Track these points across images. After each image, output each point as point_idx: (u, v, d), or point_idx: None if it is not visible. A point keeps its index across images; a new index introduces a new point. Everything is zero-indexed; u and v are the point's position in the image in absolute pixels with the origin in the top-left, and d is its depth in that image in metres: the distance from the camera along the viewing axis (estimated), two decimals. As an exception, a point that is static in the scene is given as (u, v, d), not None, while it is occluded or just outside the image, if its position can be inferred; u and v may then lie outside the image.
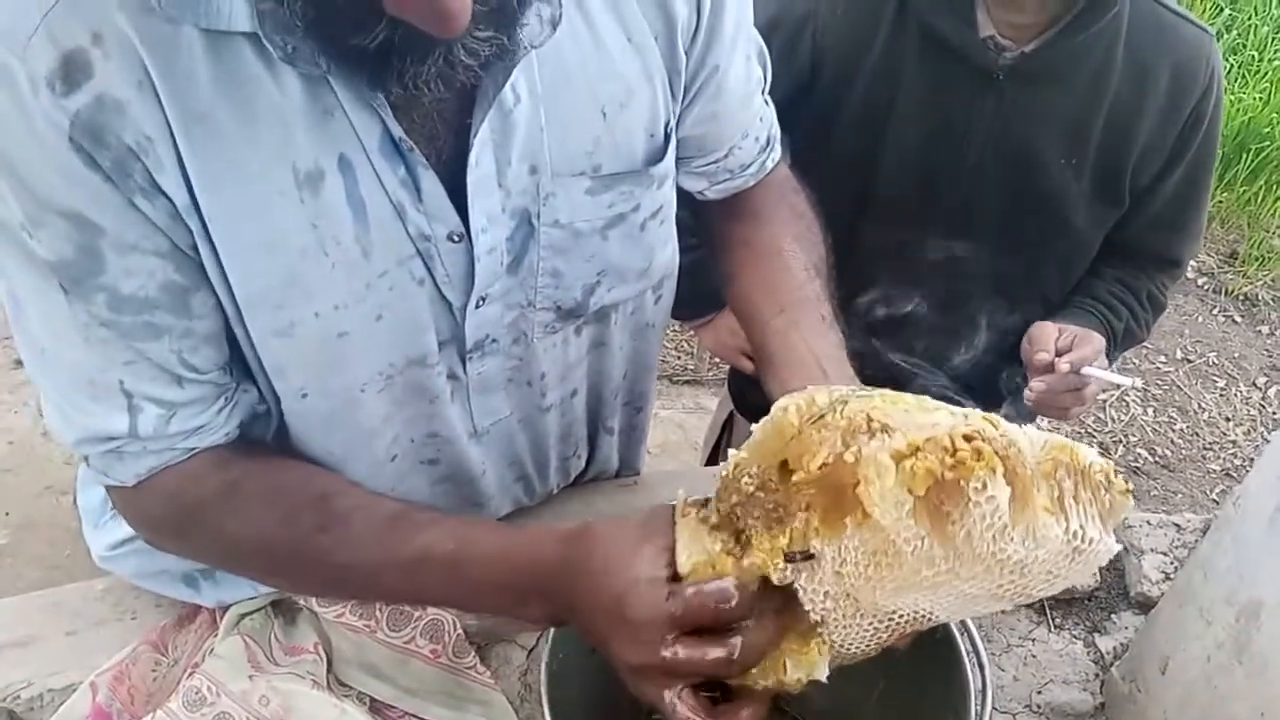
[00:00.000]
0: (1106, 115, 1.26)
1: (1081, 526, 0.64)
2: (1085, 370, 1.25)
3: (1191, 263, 3.88)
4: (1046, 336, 1.29)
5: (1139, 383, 1.44)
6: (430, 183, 0.73)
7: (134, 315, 0.69)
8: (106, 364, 0.71)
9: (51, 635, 0.93)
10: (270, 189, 0.68)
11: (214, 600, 0.92)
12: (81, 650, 0.92)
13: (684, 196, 0.94)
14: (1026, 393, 1.31)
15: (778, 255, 0.94)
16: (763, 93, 0.97)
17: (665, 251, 0.92)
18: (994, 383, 1.49)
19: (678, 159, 0.90)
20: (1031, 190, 1.29)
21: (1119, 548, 0.68)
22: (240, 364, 0.78)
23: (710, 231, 1.02)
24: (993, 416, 0.64)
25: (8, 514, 2.40)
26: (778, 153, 1.01)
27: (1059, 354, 1.27)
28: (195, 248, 0.70)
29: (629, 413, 1.07)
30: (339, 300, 0.73)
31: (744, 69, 0.90)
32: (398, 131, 0.70)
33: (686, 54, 0.82)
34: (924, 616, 0.68)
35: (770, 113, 0.99)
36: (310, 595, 0.91)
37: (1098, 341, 1.29)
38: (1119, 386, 1.31)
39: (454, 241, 0.76)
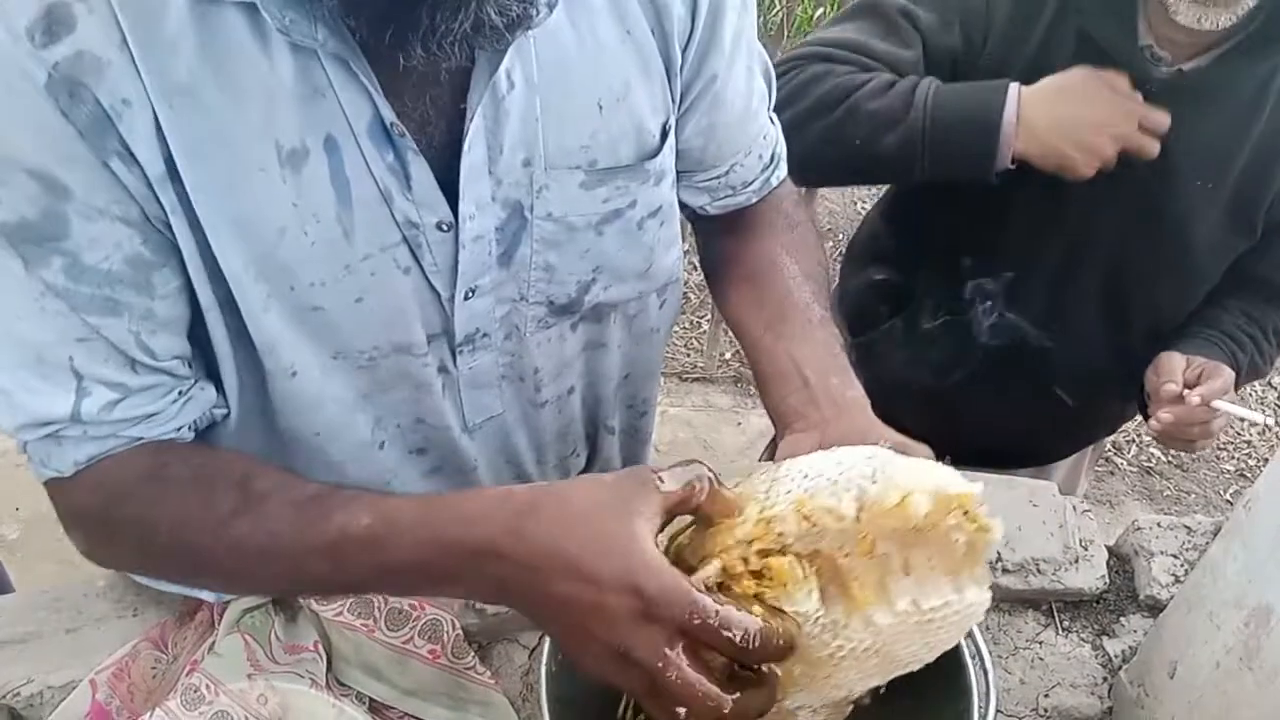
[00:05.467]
0: (1253, 146, 1.23)
1: (915, 601, 0.61)
2: (1216, 404, 1.22)
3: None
4: (1175, 367, 1.27)
5: (1272, 421, 1.40)
6: (420, 170, 0.72)
7: (93, 288, 0.67)
8: (58, 339, 0.69)
9: (52, 632, 0.93)
10: (251, 165, 0.67)
11: (214, 595, 0.92)
12: (82, 647, 0.92)
13: (684, 211, 0.94)
14: (1152, 423, 1.29)
15: (768, 268, 0.94)
16: (768, 109, 0.96)
17: (668, 255, 0.91)
18: (1103, 404, 1.47)
19: (679, 172, 0.89)
20: (1159, 207, 1.26)
21: (987, 600, 0.64)
22: (201, 361, 0.77)
23: (705, 246, 1.01)
24: (807, 502, 0.60)
25: (18, 509, 2.42)
26: (782, 171, 1.00)
27: (1187, 386, 1.24)
28: (167, 222, 0.68)
29: (631, 415, 1.07)
30: (316, 278, 0.73)
31: (745, 83, 0.90)
32: (389, 116, 0.69)
33: (683, 54, 0.82)
34: (823, 704, 0.66)
35: (775, 130, 0.98)
36: (238, 593, 0.85)
37: (1228, 375, 1.26)
38: (1252, 423, 1.28)
39: (443, 231, 0.75)
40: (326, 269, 0.73)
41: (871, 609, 0.60)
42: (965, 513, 0.62)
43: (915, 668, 0.65)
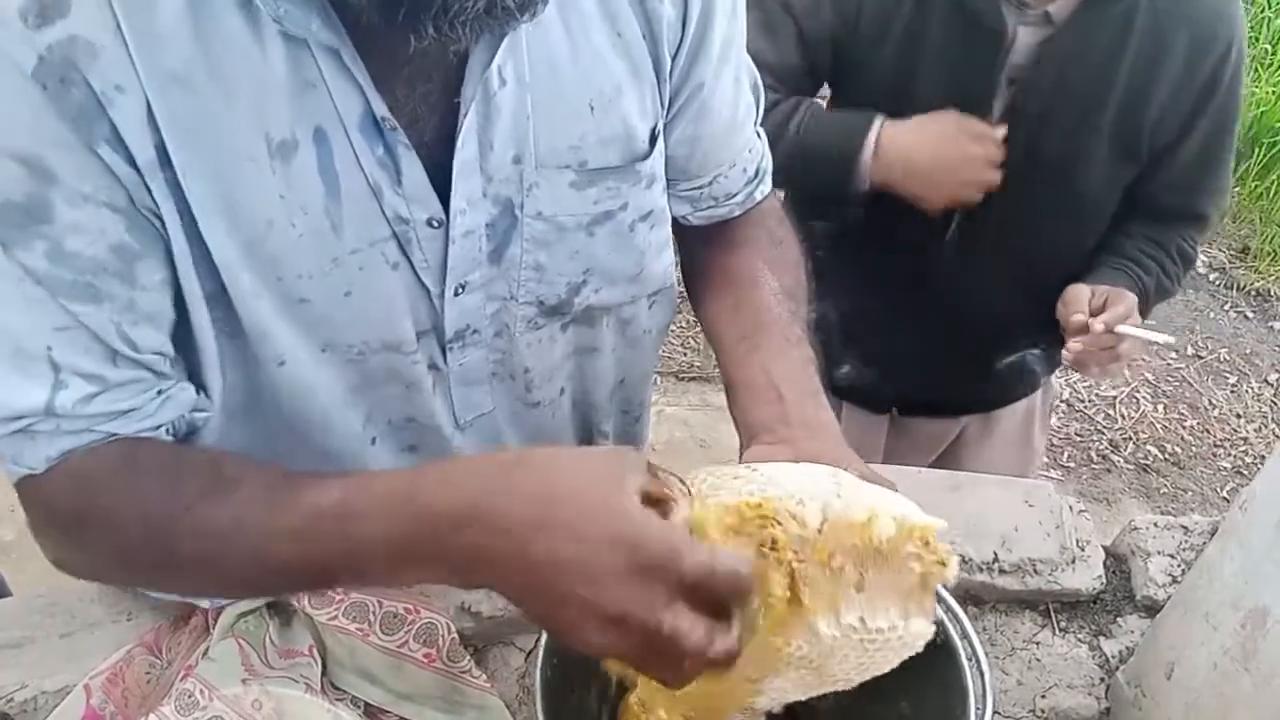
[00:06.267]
0: (1125, 78, 1.28)
1: (862, 618, 0.61)
2: (1120, 328, 1.29)
3: (1203, 257, 3.87)
4: (1080, 298, 1.33)
5: (1173, 339, 1.48)
6: (411, 165, 0.72)
7: (75, 274, 0.66)
8: (36, 327, 0.67)
9: (46, 637, 0.93)
10: (240, 155, 0.67)
11: (208, 600, 0.91)
12: (76, 652, 0.91)
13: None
14: (1064, 354, 1.35)
15: (748, 281, 0.93)
16: (755, 123, 0.96)
17: (660, 260, 0.91)
18: (1022, 346, 1.52)
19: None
20: (1045, 152, 1.32)
21: (929, 634, 0.64)
22: (183, 365, 0.76)
23: (687, 256, 1.01)
24: (772, 501, 0.60)
25: (14, 510, 2.41)
26: (767, 185, 1.00)
27: (1093, 314, 1.31)
28: (156, 212, 0.67)
29: (626, 421, 1.06)
30: (303, 270, 0.72)
31: (732, 93, 0.89)
32: (381, 110, 0.69)
33: (672, 59, 0.81)
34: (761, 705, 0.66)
35: (762, 145, 0.98)
36: (204, 591, 0.80)
37: (1130, 299, 1.33)
38: (1154, 342, 1.37)
39: (433, 227, 0.75)
40: (314, 262, 0.72)
41: (817, 618, 0.60)
42: (926, 544, 0.62)
43: (841, 688, 0.66)
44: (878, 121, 1.32)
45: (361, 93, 0.68)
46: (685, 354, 3.22)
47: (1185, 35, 1.27)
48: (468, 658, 0.92)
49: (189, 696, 0.82)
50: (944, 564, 0.62)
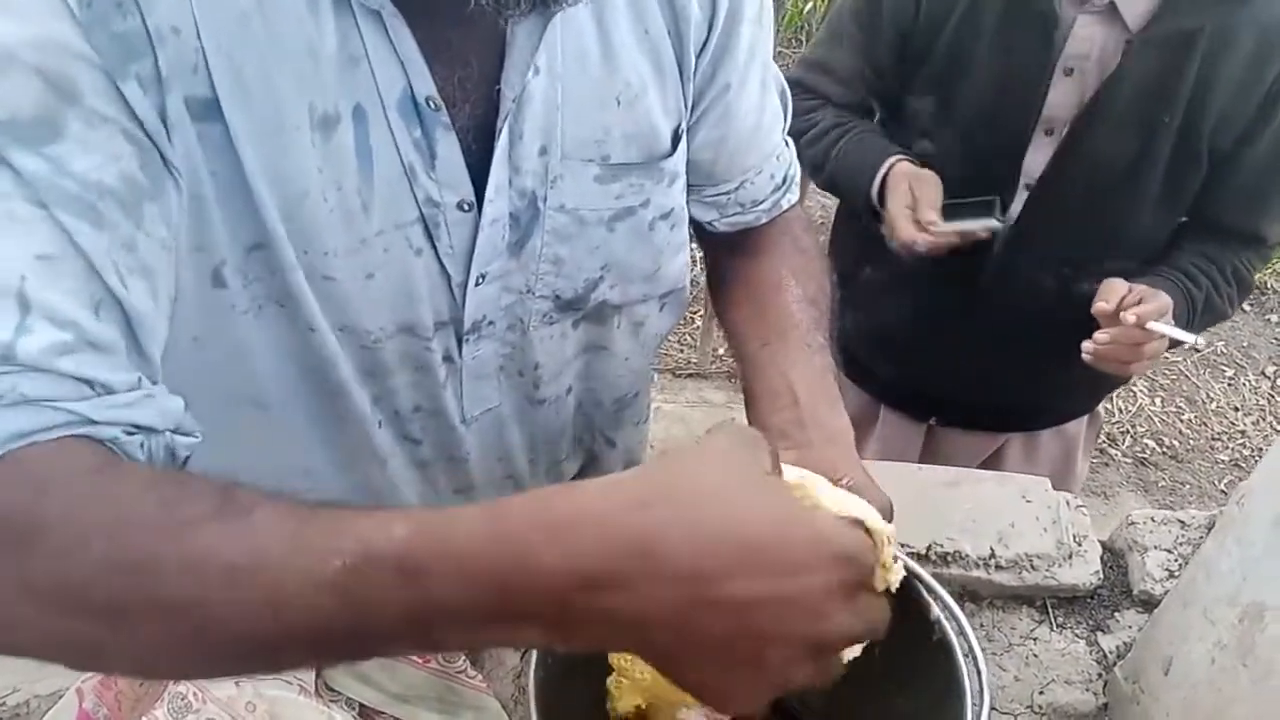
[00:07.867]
0: (1192, 75, 1.25)
1: None
2: (1150, 325, 1.26)
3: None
4: (1115, 291, 1.30)
5: (1202, 341, 1.45)
6: (448, 147, 0.72)
7: (80, 189, 0.57)
8: (15, 251, 0.54)
9: (38, 640, 0.92)
10: (286, 122, 0.67)
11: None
12: (69, 655, 0.91)
13: (692, 225, 0.94)
14: (1087, 344, 1.32)
15: (771, 289, 0.93)
16: (783, 130, 0.96)
17: (675, 262, 0.91)
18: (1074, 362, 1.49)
19: (689, 185, 0.89)
20: (1114, 149, 1.31)
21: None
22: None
23: (712, 262, 1.02)
24: None
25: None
26: (794, 195, 1.00)
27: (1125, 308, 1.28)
28: (175, 168, 0.63)
29: (631, 425, 1.07)
30: (330, 247, 0.72)
31: (758, 97, 0.89)
32: (427, 88, 0.69)
33: (697, 60, 0.82)
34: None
35: (790, 153, 0.98)
36: (173, 654, 0.51)
37: (1164, 299, 1.30)
38: (1182, 343, 1.33)
39: (463, 211, 0.75)
40: (342, 239, 0.72)
41: None
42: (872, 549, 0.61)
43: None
44: (892, 158, 1.39)
45: (404, 71, 0.68)
46: (682, 351, 3.22)
47: (1253, 36, 1.24)
48: (463, 658, 0.92)
49: (182, 699, 0.82)
50: (887, 569, 0.61)
